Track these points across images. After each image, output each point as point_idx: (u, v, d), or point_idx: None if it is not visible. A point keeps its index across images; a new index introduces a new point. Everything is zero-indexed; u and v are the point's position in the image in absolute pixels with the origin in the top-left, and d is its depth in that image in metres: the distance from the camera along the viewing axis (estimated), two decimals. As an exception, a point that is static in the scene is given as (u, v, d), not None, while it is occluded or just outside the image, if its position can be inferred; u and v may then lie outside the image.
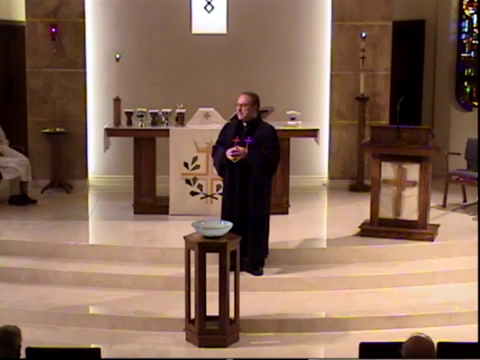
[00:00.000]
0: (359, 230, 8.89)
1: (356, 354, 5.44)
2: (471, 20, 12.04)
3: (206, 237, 7.03)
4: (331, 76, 11.19)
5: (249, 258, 8.02)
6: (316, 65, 11.30)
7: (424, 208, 8.73)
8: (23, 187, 10.23)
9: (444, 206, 10.11)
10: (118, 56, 10.11)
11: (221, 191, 8.68)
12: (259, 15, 11.17)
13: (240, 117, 8.04)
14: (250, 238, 7.94)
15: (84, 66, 11.08)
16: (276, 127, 9.67)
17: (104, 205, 10.27)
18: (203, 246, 6.97)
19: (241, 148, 7.88)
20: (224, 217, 7.84)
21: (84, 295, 7.85)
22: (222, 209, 8.11)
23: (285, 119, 9.96)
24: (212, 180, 9.58)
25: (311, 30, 11.24)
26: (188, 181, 9.61)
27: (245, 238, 7.66)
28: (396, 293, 7.94)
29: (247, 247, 7.90)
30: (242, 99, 8.00)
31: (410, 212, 8.74)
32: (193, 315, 7.11)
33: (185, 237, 7.13)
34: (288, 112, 10.07)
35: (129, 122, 9.83)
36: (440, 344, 5.15)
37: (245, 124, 8.04)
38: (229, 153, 7.90)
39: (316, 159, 11.34)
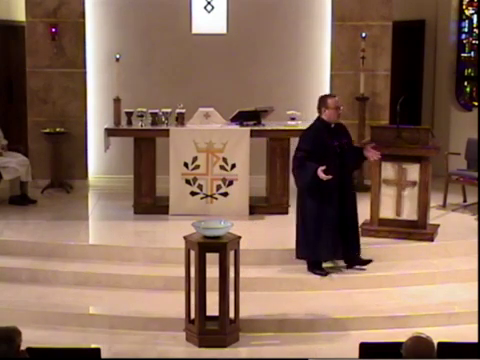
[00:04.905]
0: (359, 230, 8.88)
1: (356, 354, 5.44)
2: (471, 20, 12.04)
3: (206, 237, 7.03)
4: (331, 76, 11.19)
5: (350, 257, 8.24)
6: (316, 65, 11.31)
7: (424, 208, 8.73)
8: (23, 187, 10.23)
9: (444, 206, 10.12)
10: (118, 56, 10.11)
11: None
12: (259, 15, 11.17)
13: (339, 119, 8.10)
14: (356, 236, 8.19)
15: (84, 66, 11.08)
16: (276, 127, 9.79)
17: (104, 205, 10.27)
18: (203, 246, 6.97)
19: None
20: (328, 226, 7.94)
21: (84, 295, 7.85)
22: (321, 220, 7.95)
23: (285, 119, 9.96)
24: (212, 180, 9.58)
25: (311, 30, 11.24)
26: (188, 181, 9.61)
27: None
28: (396, 293, 7.94)
29: (354, 245, 8.16)
30: (339, 101, 8.10)
31: (410, 212, 8.74)
32: (193, 315, 7.11)
33: (185, 237, 7.12)
34: (288, 112, 10.07)
35: (129, 122, 9.83)
36: (440, 344, 5.15)
37: (333, 126, 8.06)
38: (322, 174, 7.74)
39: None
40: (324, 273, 8.07)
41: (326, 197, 7.90)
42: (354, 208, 8.19)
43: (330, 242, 7.97)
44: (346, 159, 8.01)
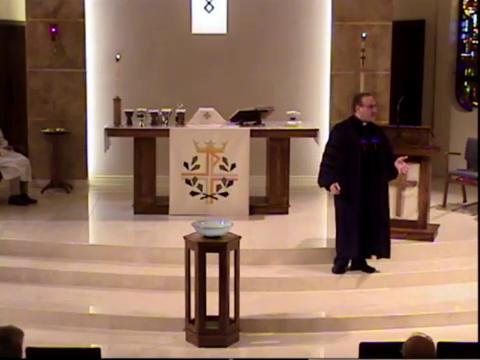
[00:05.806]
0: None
1: (356, 354, 5.44)
2: (471, 20, 12.05)
3: (206, 237, 7.03)
4: (331, 76, 11.20)
5: (377, 255, 8.17)
6: (316, 65, 11.31)
7: (424, 208, 8.73)
8: (23, 187, 10.23)
9: (444, 206, 10.12)
10: (118, 56, 10.11)
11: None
12: (259, 15, 11.18)
13: (373, 118, 8.10)
14: (383, 236, 8.05)
15: (84, 66, 11.09)
16: (276, 127, 9.79)
17: (104, 205, 10.27)
18: (203, 246, 6.96)
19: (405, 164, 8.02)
20: (352, 222, 7.91)
21: (84, 295, 7.85)
22: (345, 218, 7.98)
23: (285, 119, 9.97)
24: (212, 180, 9.58)
25: (311, 30, 11.25)
26: (188, 181, 9.61)
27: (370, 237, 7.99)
28: (396, 293, 7.94)
29: (378, 245, 8.04)
30: (374, 100, 8.13)
31: (410, 212, 8.74)
32: (193, 315, 7.11)
33: (185, 237, 7.12)
34: (288, 112, 10.07)
35: (129, 122, 9.83)
36: (440, 344, 5.15)
37: (365, 124, 8.04)
38: (333, 189, 7.85)
39: (316, 159, 11.29)
40: (341, 271, 8.10)
41: (348, 195, 7.90)
42: (379, 207, 8.03)
43: (352, 241, 7.94)
44: (373, 159, 7.93)
